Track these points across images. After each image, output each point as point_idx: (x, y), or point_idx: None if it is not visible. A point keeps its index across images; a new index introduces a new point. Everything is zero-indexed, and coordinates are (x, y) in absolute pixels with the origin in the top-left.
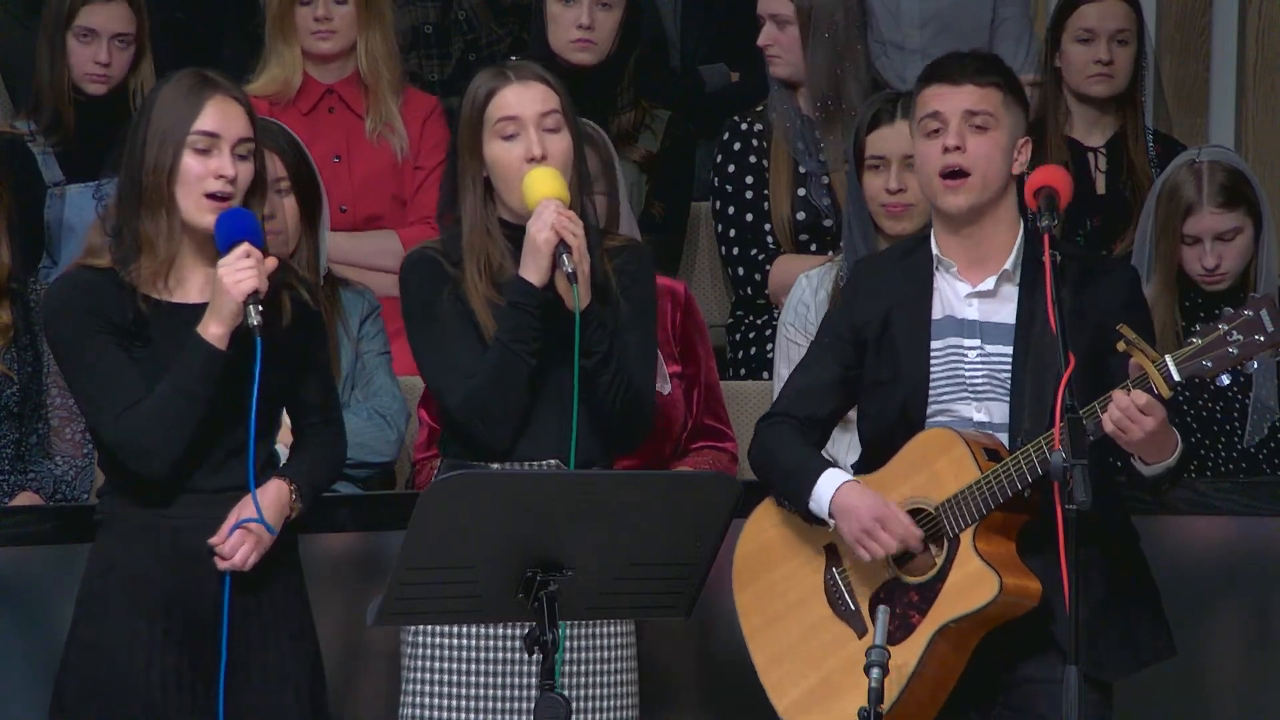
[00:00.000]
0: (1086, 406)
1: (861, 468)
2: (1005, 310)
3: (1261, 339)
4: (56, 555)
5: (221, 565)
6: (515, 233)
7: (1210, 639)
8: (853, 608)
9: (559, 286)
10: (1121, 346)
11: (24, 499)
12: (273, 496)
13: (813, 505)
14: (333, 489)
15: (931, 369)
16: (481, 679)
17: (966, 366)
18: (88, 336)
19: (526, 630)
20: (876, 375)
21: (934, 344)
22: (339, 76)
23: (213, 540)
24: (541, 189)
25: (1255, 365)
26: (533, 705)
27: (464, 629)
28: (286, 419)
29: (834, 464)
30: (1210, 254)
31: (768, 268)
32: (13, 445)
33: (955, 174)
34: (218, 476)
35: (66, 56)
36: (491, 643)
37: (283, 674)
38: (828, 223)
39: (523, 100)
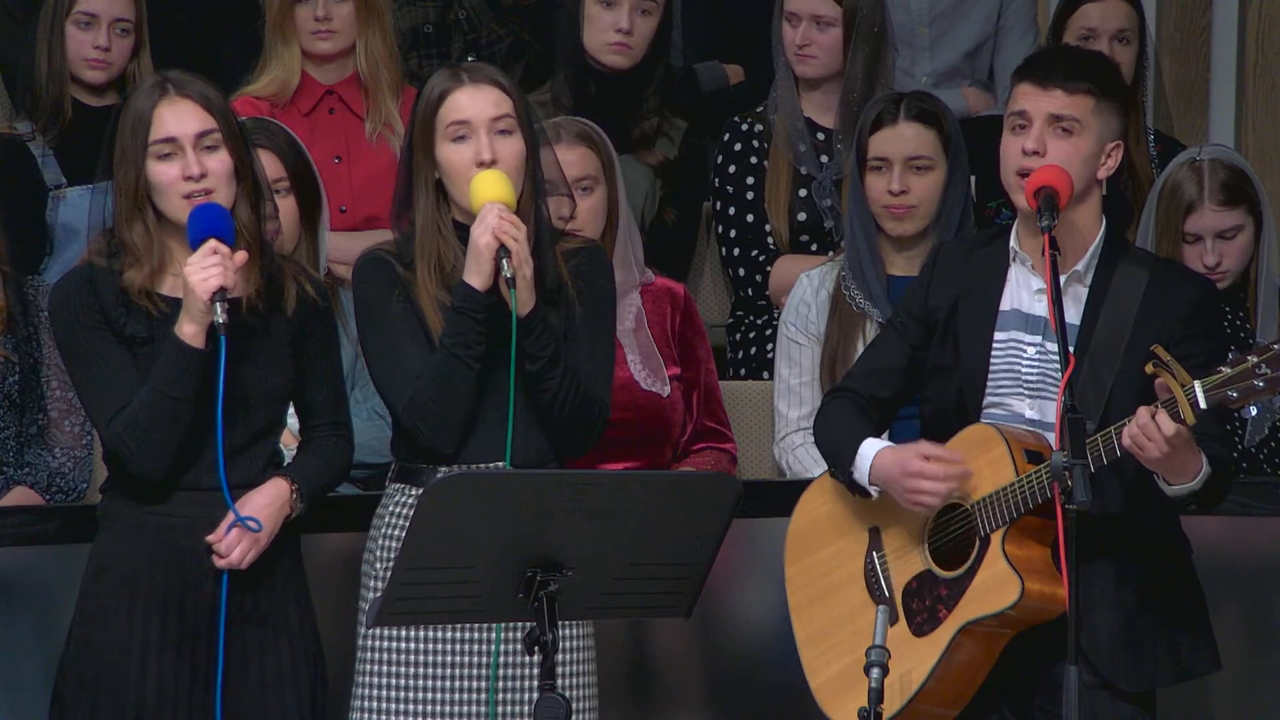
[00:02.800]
0: (1118, 423)
1: None
2: (1071, 310)
3: None
4: (58, 555)
5: (219, 563)
6: (468, 234)
7: None
8: (887, 595)
9: (503, 290)
10: (1150, 368)
11: (19, 495)
12: (271, 494)
13: (856, 475)
14: None
15: (990, 361)
16: (433, 682)
17: (1024, 362)
18: (88, 333)
19: (526, 630)
20: (939, 360)
21: (997, 336)
22: (339, 77)
23: (210, 538)
24: (485, 192)
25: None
26: (482, 709)
27: (416, 632)
28: (293, 421)
29: (871, 433)
30: (1211, 252)
31: (768, 269)
32: (13, 438)
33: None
34: (214, 474)
35: (65, 46)
36: (442, 646)
37: (282, 675)
38: (829, 224)
39: (475, 103)
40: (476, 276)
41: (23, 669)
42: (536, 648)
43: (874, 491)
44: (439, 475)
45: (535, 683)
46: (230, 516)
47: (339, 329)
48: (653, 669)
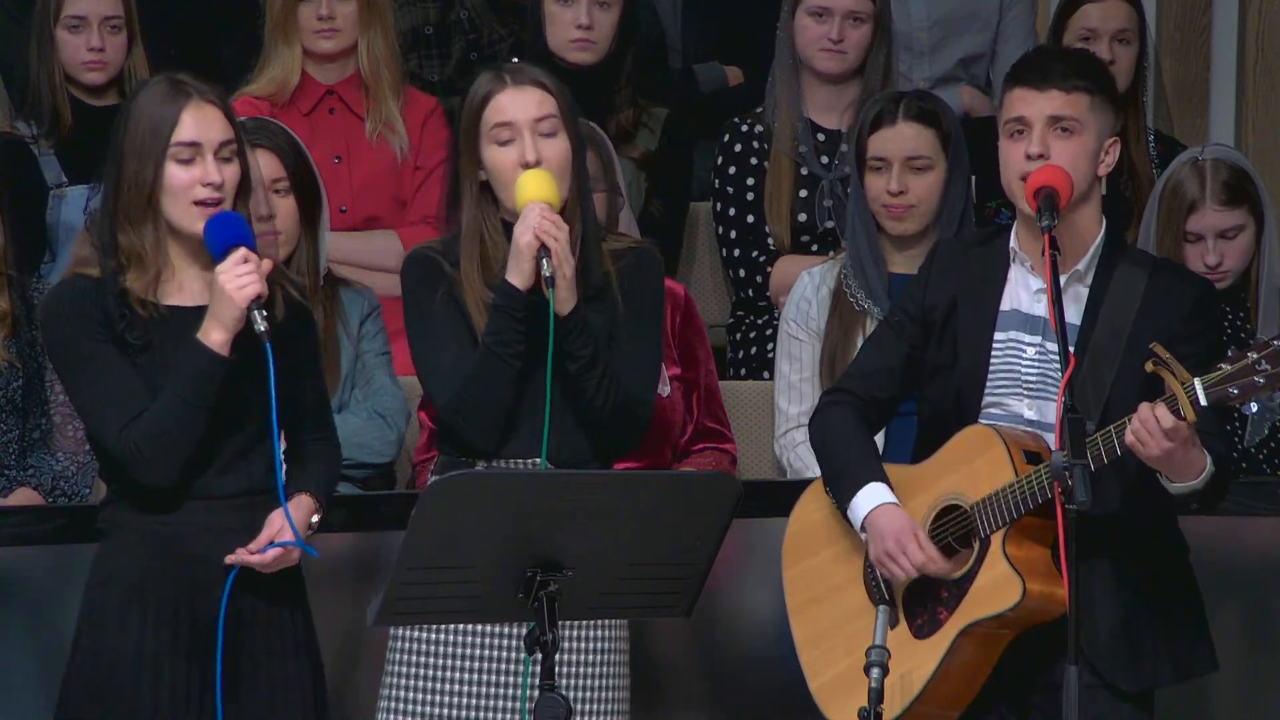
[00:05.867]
0: (1117, 422)
1: (915, 453)
2: (1071, 310)
3: None
4: (58, 555)
5: (245, 560)
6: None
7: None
8: (887, 597)
9: (545, 290)
10: (1150, 367)
11: (22, 495)
12: (303, 514)
13: (849, 514)
14: None
15: (990, 361)
16: (461, 675)
17: (1023, 363)
18: (86, 345)
19: (526, 630)
20: (938, 360)
21: (996, 336)
22: (339, 77)
23: (250, 555)
24: (529, 192)
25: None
26: (510, 703)
27: (445, 627)
28: None
29: (879, 475)
30: (1212, 251)
31: (769, 269)
32: (16, 441)
33: None
34: (222, 482)
35: (57, 52)
36: (472, 639)
37: (288, 682)
38: (829, 224)
39: (517, 105)
40: (517, 275)
41: (20, 669)
42: (536, 648)
43: (862, 536)
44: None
45: (561, 681)
46: (269, 536)
47: (338, 328)
48: (653, 669)
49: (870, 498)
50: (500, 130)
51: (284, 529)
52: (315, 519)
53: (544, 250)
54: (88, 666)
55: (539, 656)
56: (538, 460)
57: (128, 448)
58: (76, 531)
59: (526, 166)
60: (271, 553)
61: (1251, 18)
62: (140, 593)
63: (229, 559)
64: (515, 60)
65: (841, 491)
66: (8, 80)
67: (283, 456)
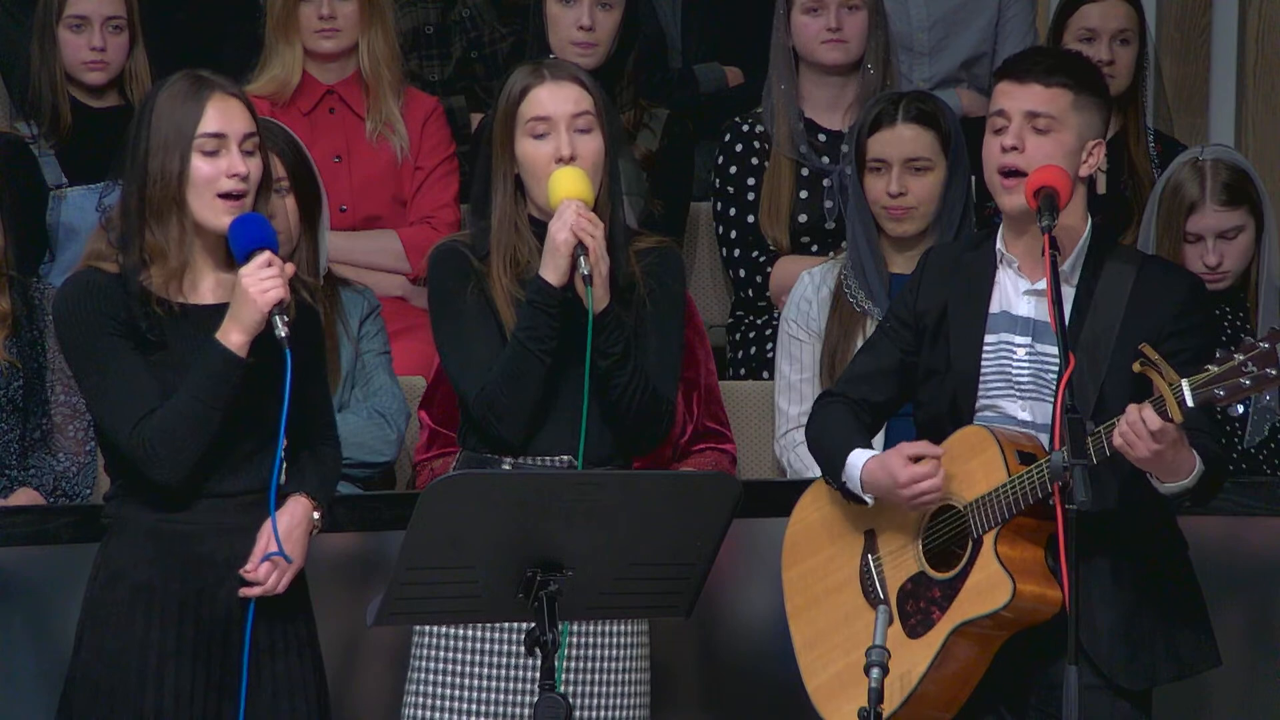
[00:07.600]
0: (1107, 423)
1: None
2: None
3: (1274, 373)
4: (60, 555)
5: (250, 592)
6: (543, 231)
7: None
8: (882, 597)
9: (578, 287)
10: (1138, 367)
11: (23, 496)
12: (298, 518)
13: (849, 485)
14: None
15: (982, 363)
16: (488, 670)
17: (1014, 364)
18: (101, 340)
19: (527, 630)
20: (931, 364)
21: (987, 338)
22: (340, 77)
23: (244, 570)
24: (564, 189)
25: (1267, 399)
26: (535, 697)
27: (472, 626)
28: None
29: (857, 443)
30: (1212, 252)
31: (769, 269)
32: (16, 441)
33: (1012, 173)
34: (231, 481)
35: (59, 52)
36: (500, 634)
37: (291, 684)
38: (830, 225)
39: (555, 100)
40: (552, 272)
41: (21, 669)
42: (537, 648)
43: (869, 500)
44: (504, 466)
45: (581, 676)
46: (262, 548)
47: (338, 328)
48: (653, 669)
49: (855, 462)
50: (536, 124)
51: (271, 540)
52: (317, 515)
53: (580, 248)
54: (92, 665)
55: (539, 656)
56: (565, 457)
57: (141, 445)
58: (78, 531)
59: (561, 162)
60: (273, 578)
61: (1251, 18)
62: (146, 592)
63: (250, 591)
64: (552, 56)
65: (834, 469)
66: (8, 80)
67: (283, 456)
